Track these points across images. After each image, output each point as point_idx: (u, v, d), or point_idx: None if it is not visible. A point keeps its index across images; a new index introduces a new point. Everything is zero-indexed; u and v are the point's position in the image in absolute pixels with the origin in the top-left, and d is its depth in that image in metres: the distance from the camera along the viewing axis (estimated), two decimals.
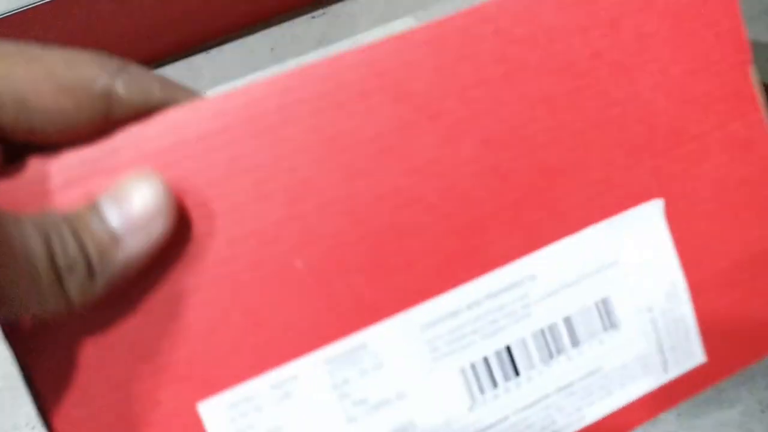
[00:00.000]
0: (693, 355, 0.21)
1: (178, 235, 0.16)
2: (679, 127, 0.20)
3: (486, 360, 0.19)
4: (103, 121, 0.15)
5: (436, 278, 0.18)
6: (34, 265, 0.13)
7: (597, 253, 0.20)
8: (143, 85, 0.15)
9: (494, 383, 0.19)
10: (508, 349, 0.19)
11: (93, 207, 0.15)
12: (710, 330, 0.21)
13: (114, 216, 0.15)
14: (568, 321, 0.19)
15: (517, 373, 0.19)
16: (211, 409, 0.17)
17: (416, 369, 0.18)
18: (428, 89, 0.18)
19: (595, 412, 0.20)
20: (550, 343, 0.19)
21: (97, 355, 0.16)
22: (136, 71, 0.15)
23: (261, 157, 0.17)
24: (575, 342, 0.19)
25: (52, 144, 0.15)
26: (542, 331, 0.19)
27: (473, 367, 0.19)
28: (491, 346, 0.19)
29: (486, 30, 0.18)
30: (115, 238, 0.14)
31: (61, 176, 0.15)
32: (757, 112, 0.21)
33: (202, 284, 0.17)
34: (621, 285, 0.20)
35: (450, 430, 0.18)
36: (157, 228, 0.15)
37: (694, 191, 0.20)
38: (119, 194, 0.15)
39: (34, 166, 0.15)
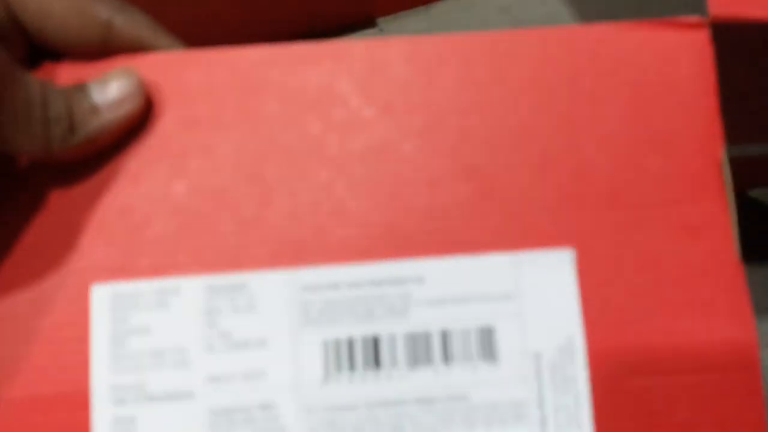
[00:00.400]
0: (579, 426, 0.19)
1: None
2: (619, 191, 0.20)
3: (350, 341, 0.19)
4: (101, 47, 0.20)
5: (330, 248, 0.20)
6: (30, 108, 0.18)
7: (492, 281, 0.20)
8: (138, 25, 0.20)
9: (352, 367, 0.19)
10: (375, 340, 0.19)
11: (81, 86, 0.20)
12: (606, 411, 0.19)
13: (96, 94, 0.19)
14: (444, 335, 0.19)
15: (378, 365, 0.19)
16: (101, 294, 0.20)
17: (284, 325, 0.19)
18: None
19: None
20: (419, 350, 0.19)
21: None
22: (135, 13, 0.20)
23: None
24: (447, 358, 0.19)
25: (60, 54, 0.20)
26: (414, 336, 0.19)
27: (336, 343, 0.19)
28: (360, 330, 0.19)
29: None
30: (94, 109, 0.19)
31: (64, 77, 0.20)
32: (718, 199, 0.20)
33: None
34: (510, 321, 0.20)
35: (298, 395, 0.19)
36: (128, 108, 0.19)
37: (617, 260, 0.20)
38: (103, 80, 0.20)
39: (45, 69, 0.21)
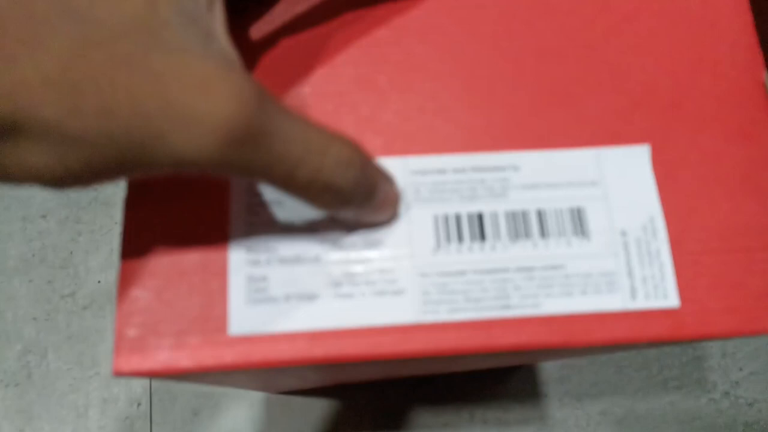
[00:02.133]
0: (666, 295, 0.21)
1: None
2: (681, 101, 0.24)
3: (458, 217, 0.22)
4: None
5: (436, 142, 0.23)
6: None
7: (580, 171, 0.23)
8: None
9: (460, 238, 0.22)
10: (480, 216, 0.22)
11: None
12: (688, 282, 0.21)
13: None
14: (540, 213, 0.22)
15: (483, 237, 0.22)
16: None
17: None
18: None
19: (551, 306, 0.21)
20: (519, 225, 0.22)
21: None
22: None
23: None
24: (544, 233, 0.22)
25: None
26: (514, 213, 0.22)
27: (445, 218, 0.22)
28: (465, 208, 0.22)
29: None
30: None
31: None
32: (763, 111, 0.24)
33: None
34: (597, 203, 0.22)
35: (411, 263, 0.21)
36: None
37: (684, 156, 0.23)
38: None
39: None
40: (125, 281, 0.21)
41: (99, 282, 0.73)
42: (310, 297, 0.21)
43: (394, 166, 0.23)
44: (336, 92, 0.24)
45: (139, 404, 0.68)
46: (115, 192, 0.78)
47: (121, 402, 0.69)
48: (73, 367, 0.71)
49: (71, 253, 0.75)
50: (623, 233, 0.22)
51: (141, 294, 0.21)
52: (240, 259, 0.21)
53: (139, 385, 0.68)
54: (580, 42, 0.24)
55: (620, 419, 0.72)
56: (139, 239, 0.21)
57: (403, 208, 0.22)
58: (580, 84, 0.24)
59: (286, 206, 0.22)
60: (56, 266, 0.75)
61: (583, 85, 0.24)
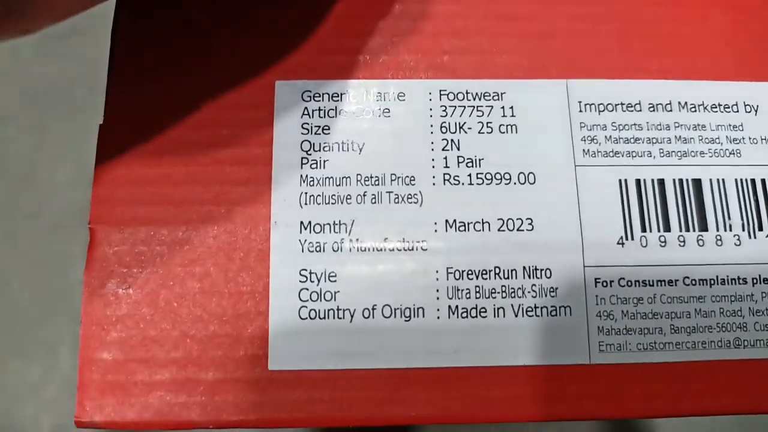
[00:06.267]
0: None
1: None
2: None
3: (662, 185, 0.13)
4: None
5: (620, 62, 0.13)
6: None
7: None
8: None
9: (666, 223, 0.12)
10: (698, 185, 0.13)
11: None
12: None
13: None
14: None
15: (704, 224, 0.13)
16: (289, 94, 0.13)
17: (557, 154, 0.13)
18: None
19: None
20: (761, 205, 0.13)
21: None
22: None
23: None
24: None
25: None
26: (753, 183, 0.13)
27: (640, 186, 0.13)
28: (673, 173, 0.13)
29: None
30: None
31: None
32: None
33: None
34: None
35: (582, 260, 0.12)
36: None
37: None
38: None
39: None
40: (94, 275, 0.12)
41: (67, 199, 0.64)
42: (410, 312, 0.12)
43: (550, 92, 0.13)
44: None
45: None
46: (84, 95, 0.67)
47: None
48: (40, 298, 0.63)
49: (35, 165, 0.64)
50: None
51: (123, 292, 0.12)
52: (289, 241, 0.12)
53: None
54: None
55: None
56: (118, 195, 0.12)
57: (567, 166, 0.13)
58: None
59: (368, 150, 0.12)
60: (17, 181, 0.65)
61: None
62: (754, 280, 0.12)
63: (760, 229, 0.13)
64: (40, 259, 0.63)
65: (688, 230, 0.13)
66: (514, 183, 0.12)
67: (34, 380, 0.65)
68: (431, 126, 0.13)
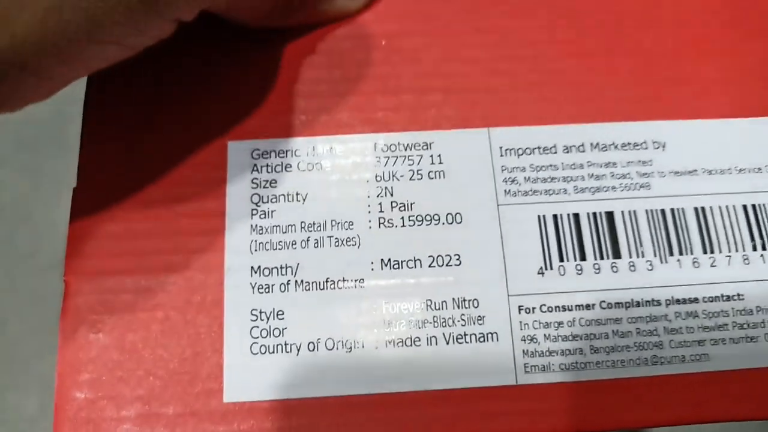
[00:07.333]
0: None
1: None
2: None
3: (576, 219, 0.14)
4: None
5: (536, 108, 0.15)
6: None
7: (757, 148, 0.15)
8: None
9: (581, 253, 0.14)
10: (610, 218, 0.14)
11: None
12: None
13: None
14: (701, 213, 0.14)
15: (616, 252, 0.14)
16: (240, 153, 0.14)
17: (482, 196, 0.14)
18: None
19: (726, 359, 0.13)
20: (671, 232, 0.14)
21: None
22: None
23: None
24: (708, 245, 0.14)
25: None
26: (662, 213, 0.14)
27: (557, 221, 0.14)
28: (587, 206, 0.14)
29: None
30: None
31: None
32: None
33: None
34: None
35: (506, 291, 0.14)
36: None
37: None
38: None
39: None
40: (69, 318, 0.13)
41: (62, 238, 0.65)
42: (350, 345, 0.13)
43: (473, 140, 0.15)
44: (389, 33, 0.15)
45: None
46: (76, 134, 0.69)
47: None
48: (36, 333, 0.64)
49: (31, 206, 0.66)
50: None
51: (93, 336, 0.13)
52: (240, 284, 0.13)
53: None
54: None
55: None
56: (89, 246, 0.14)
57: (490, 206, 0.14)
58: (743, 23, 0.16)
59: (311, 200, 0.14)
60: (15, 222, 0.66)
61: (748, 26, 0.16)
62: (668, 301, 0.14)
63: (671, 254, 0.14)
64: (36, 296, 0.64)
65: (602, 258, 0.14)
66: (443, 224, 0.14)
67: (32, 413, 0.65)
68: (367, 176, 0.14)
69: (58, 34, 0.10)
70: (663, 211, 0.14)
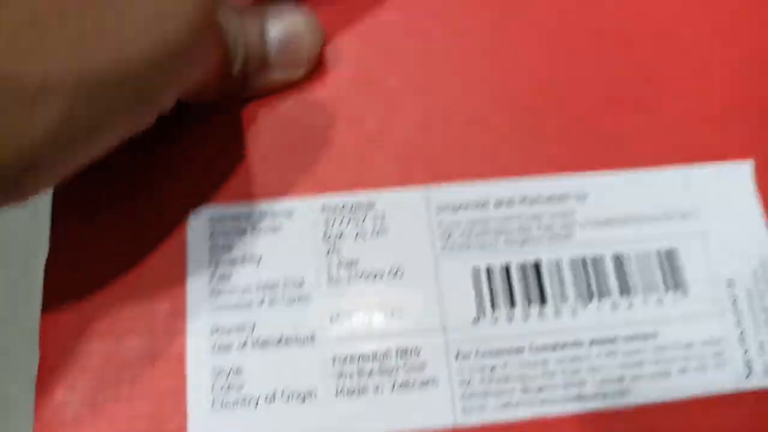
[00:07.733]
0: None
1: None
2: None
3: (506, 269, 0.16)
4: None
5: (470, 164, 0.16)
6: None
7: (667, 198, 0.16)
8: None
9: (511, 301, 0.15)
10: (537, 267, 0.16)
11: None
12: None
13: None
14: (618, 259, 0.16)
15: (542, 298, 0.15)
16: (197, 221, 0.16)
17: (420, 251, 0.16)
18: None
19: (644, 392, 0.15)
20: (591, 278, 0.16)
21: None
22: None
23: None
24: (625, 289, 0.16)
25: None
26: (583, 261, 0.16)
27: (489, 272, 0.15)
28: (516, 257, 0.16)
29: None
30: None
31: None
32: None
33: None
34: (693, 242, 0.16)
35: (444, 339, 0.15)
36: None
37: None
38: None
39: None
40: (44, 379, 0.14)
41: None
42: (304, 395, 0.14)
43: (412, 199, 0.16)
44: (332, 98, 0.17)
45: None
46: None
47: None
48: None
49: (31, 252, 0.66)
50: (730, 283, 0.16)
51: (66, 397, 0.14)
52: (201, 344, 0.15)
53: None
54: (657, 30, 0.18)
55: None
56: (62, 313, 0.15)
57: (428, 261, 0.16)
58: (658, 83, 0.18)
59: (264, 261, 0.15)
60: (17, 269, 0.66)
61: (663, 84, 0.18)
62: (591, 342, 0.15)
63: (591, 299, 0.16)
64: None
65: (530, 305, 0.15)
66: (385, 279, 0.15)
67: None
68: (316, 236, 0.16)
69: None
70: (584, 259, 0.16)
